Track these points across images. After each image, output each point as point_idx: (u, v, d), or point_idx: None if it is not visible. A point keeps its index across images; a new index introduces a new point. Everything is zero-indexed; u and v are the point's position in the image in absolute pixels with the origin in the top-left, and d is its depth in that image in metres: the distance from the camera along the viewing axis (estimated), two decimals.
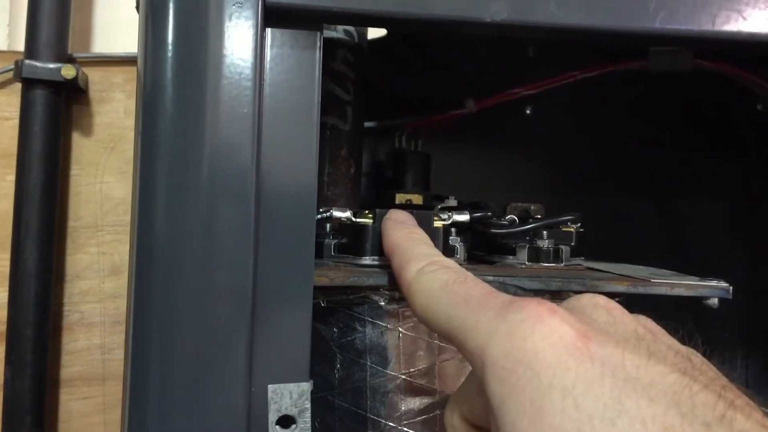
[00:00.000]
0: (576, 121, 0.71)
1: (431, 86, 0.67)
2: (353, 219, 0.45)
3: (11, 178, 0.65)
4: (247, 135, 0.36)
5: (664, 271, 0.50)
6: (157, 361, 0.35)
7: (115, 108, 0.69)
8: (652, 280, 0.45)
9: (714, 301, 0.44)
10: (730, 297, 0.44)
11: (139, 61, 0.38)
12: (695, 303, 0.46)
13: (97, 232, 0.68)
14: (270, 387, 0.36)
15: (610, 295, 0.47)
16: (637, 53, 0.58)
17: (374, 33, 0.60)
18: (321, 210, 0.46)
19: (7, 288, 0.64)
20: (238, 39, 0.36)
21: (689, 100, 0.71)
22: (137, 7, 0.42)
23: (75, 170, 0.68)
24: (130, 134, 0.68)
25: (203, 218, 0.35)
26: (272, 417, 0.36)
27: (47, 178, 0.64)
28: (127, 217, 0.68)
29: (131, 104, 0.68)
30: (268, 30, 0.37)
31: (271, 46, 0.37)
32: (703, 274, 0.47)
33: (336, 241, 0.47)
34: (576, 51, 0.62)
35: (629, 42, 0.53)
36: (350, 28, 0.54)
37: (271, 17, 0.37)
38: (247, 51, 0.36)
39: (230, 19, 0.36)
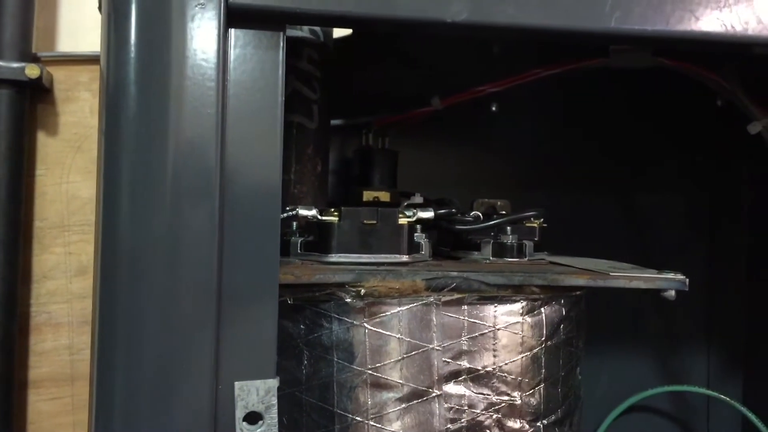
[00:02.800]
0: (541, 119, 0.72)
1: (398, 84, 0.68)
2: (319, 217, 0.46)
3: None
4: (211, 134, 0.36)
5: (624, 264, 0.51)
6: (123, 360, 0.36)
7: (80, 107, 0.68)
8: (611, 273, 0.46)
9: (671, 293, 0.46)
10: (687, 289, 0.46)
11: (102, 62, 0.38)
12: (660, 298, 0.48)
13: (64, 232, 0.68)
14: (237, 384, 0.37)
15: (571, 289, 0.48)
16: (598, 51, 0.59)
17: (340, 31, 0.61)
18: (287, 208, 0.47)
19: None
20: (201, 40, 0.36)
21: (653, 97, 0.73)
22: (99, 8, 0.42)
23: (40, 170, 0.67)
24: (96, 133, 0.68)
25: (167, 217, 0.36)
26: (239, 414, 0.37)
27: (12, 179, 0.63)
28: (94, 217, 0.68)
29: (97, 103, 0.68)
30: (231, 30, 0.37)
31: (234, 47, 0.37)
32: (666, 268, 0.48)
33: (302, 239, 0.47)
34: (540, 49, 0.63)
35: (586, 41, 0.54)
36: (316, 27, 0.54)
37: (234, 18, 0.37)
38: (210, 51, 0.36)
39: (193, 20, 0.36)
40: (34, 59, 0.65)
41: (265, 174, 0.38)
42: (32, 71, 0.62)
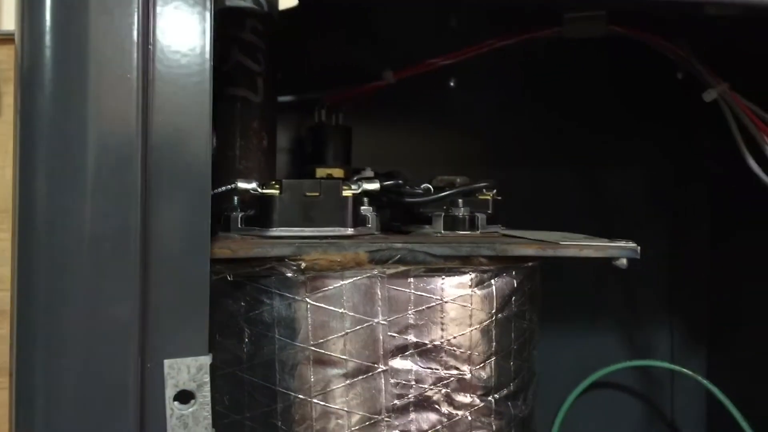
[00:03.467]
0: (498, 93, 0.71)
1: (350, 58, 0.66)
2: (259, 190, 0.44)
3: None
4: (132, 102, 0.34)
5: (576, 235, 0.50)
6: (43, 341, 0.34)
7: None
8: (561, 243, 0.45)
9: (623, 262, 0.45)
10: (638, 257, 0.45)
11: (17, 32, 0.36)
12: (626, 273, 0.46)
13: (9, 217, 0.65)
14: (166, 362, 0.35)
15: (522, 260, 0.47)
16: (551, 20, 0.58)
17: (286, 3, 0.59)
18: (229, 182, 0.45)
19: None
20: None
21: (612, 69, 0.72)
22: None
23: None
24: None
25: (88, 188, 0.34)
26: (169, 393, 0.35)
27: None
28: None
29: None
30: None
31: (160, 5, 0.35)
32: (631, 240, 0.47)
33: (243, 213, 0.46)
34: (495, 21, 0.62)
35: (541, 3, 0.53)
36: None
37: None
38: (131, 12, 0.34)
39: None
40: None
41: (194, 143, 0.36)
42: None
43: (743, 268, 0.71)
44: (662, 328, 0.75)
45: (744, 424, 0.66)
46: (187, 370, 0.35)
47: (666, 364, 0.72)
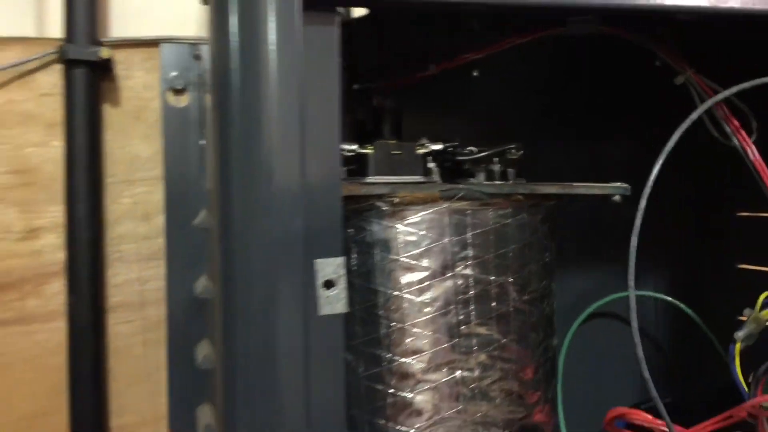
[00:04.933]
0: (516, 82, 0.89)
1: (397, 54, 0.84)
2: (358, 150, 0.61)
3: (56, 143, 0.79)
4: (295, 103, 0.51)
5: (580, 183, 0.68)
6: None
7: (136, 83, 0.83)
8: (574, 185, 0.63)
9: (617, 198, 0.63)
10: (629, 194, 0.63)
11: (211, 48, 0.52)
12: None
13: (130, 186, 0.82)
14: (317, 261, 0.52)
15: (546, 198, 0.65)
16: (557, 23, 0.76)
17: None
18: None
19: (62, 234, 0.78)
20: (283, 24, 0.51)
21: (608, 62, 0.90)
22: (205, 2, 0.57)
23: (108, 136, 0.81)
24: (151, 104, 0.83)
25: (267, 169, 0.51)
26: (319, 281, 0.52)
27: (91, 143, 0.78)
28: (154, 173, 0.82)
29: (150, 79, 0.82)
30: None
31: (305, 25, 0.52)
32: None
33: (345, 168, 0.63)
34: (511, 24, 0.79)
35: (550, 15, 0.71)
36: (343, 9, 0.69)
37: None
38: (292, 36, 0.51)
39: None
40: (99, 43, 0.79)
41: (329, 131, 0.53)
42: (105, 53, 0.77)
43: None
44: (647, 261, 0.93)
45: (711, 336, 0.85)
46: (330, 266, 0.53)
47: (650, 293, 0.90)
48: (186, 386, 0.77)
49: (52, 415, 0.79)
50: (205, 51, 0.81)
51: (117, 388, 0.82)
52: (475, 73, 0.88)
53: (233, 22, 0.51)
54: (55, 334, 0.79)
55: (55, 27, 0.81)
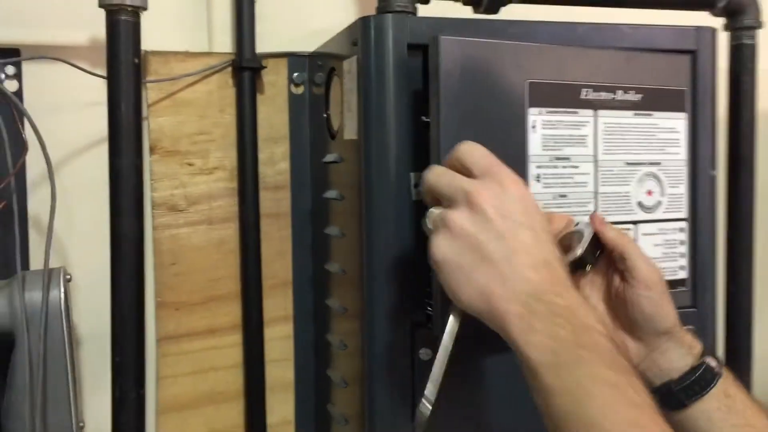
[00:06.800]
0: None
1: None
2: None
3: (228, 116, 1.31)
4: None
5: None
6: None
7: (275, 79, 1.34)
8: None
9: None
10: None
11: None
12: None
13: (269, 143, 1.35)
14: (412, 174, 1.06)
15: None
16: None
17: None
18: None
19: (227, 171, 1.31)
20: None
21: None
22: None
23: (260, 111, 1.34)
24: (282, 92, 1.35)
25: None
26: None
27: (252, 115, 1.30)
28: (283, 132, 1.35)
29: (282, 78, 1.34)
30: None
31: None
32: None
33: None
34: None
35: None
36: None
37: None
38: None
39: None
40: (256, 55, 1.31)
41: None
42: (263, 62, 1.29)
43: None
44: None
45: None
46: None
47: None
48: None
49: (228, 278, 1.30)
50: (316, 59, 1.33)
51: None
52: None
53: None
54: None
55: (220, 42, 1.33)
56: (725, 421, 0.74)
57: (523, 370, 0.64)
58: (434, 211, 0.73)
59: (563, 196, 1.01)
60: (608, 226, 0.81)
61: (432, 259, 0.70)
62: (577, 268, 0.80)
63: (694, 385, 0.77)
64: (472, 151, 0.72)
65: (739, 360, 1.37)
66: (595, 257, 0.82)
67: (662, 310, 0.79)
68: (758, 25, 1.34)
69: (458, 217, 0.67)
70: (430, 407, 0.72)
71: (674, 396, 0.78)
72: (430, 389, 0.72)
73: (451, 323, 0.72)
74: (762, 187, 1.41)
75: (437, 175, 0.73)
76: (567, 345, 0.60)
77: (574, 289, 0.66)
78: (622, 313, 0.81)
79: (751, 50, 1.35)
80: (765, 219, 1.48)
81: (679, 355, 0.79)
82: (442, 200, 0.72)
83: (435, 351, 0.75)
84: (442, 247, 0.68)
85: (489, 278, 0.65)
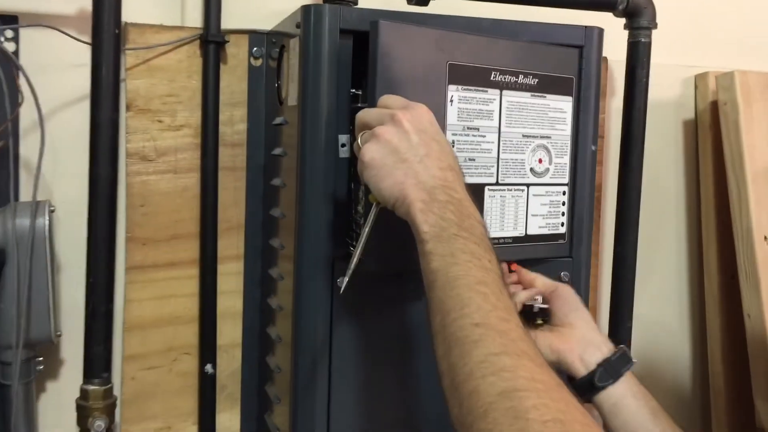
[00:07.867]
0: None
1: None
2: None
3: (194, 82, 1.52)
4: None
5: None
6: None
7: (237, 52, 1.55)
8: None
9: None
10: None
11: None
12: None
13: (230, 107, 1.57)
14: None
15: None
16: None
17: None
18: None
19: (193, 131, 1.52)
20: None
21: None
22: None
23: (223, 80, 1.55)
24: (243, 64, 1.56)
25: None
26: None
27: (215, 82, 1.51)
28: (241, 99, 1.57)
29: (243, 51, 1.55)
30: None
31: None
32: None
33: None
34: None
35: None
36: None
37: None
38: None
39: None
40: (221, 31, 1.52)
41: None
42: (227, 38, 1.50)
43: None
44: None
45: None
46: None
47: None
48: None
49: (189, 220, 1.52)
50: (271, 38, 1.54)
51: None
52: None
53: None
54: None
55: (190, 18, 1.53)
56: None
57: (417, 243, 0.84)
58: (365, 132, 0.93)
59: (472, 159, 1.18)
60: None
61: (361, 161, 0.90)
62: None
63: (615, 364, 1.08)
64: (391, 96, 0.98)
65: (621, 311, 1.62)
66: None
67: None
68: (653, 26, 1.57)
69: (384, 130, 0.89)
70: (347, 279, 0.96)
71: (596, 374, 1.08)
72: (350, 267, 0.96)
73: (372, 216, 0.94)
74: (648, 164, 1.65)
75: (367, 112, 0.96)
76: (451, 224, 0.81)
77: (466, 189, 0.87)
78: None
79: (646, 47, 1.58)
80: (650, 192, 1.72)
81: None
82: (371, 127, 0.92)
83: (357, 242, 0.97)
84: (370, 152, 0.89)
85: (405, 174, 0.85)
